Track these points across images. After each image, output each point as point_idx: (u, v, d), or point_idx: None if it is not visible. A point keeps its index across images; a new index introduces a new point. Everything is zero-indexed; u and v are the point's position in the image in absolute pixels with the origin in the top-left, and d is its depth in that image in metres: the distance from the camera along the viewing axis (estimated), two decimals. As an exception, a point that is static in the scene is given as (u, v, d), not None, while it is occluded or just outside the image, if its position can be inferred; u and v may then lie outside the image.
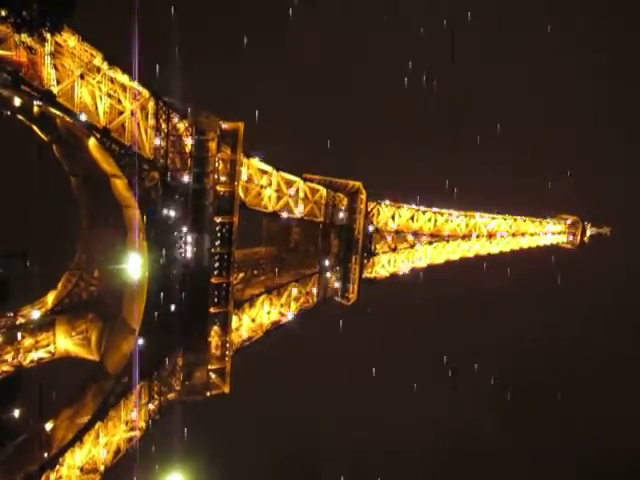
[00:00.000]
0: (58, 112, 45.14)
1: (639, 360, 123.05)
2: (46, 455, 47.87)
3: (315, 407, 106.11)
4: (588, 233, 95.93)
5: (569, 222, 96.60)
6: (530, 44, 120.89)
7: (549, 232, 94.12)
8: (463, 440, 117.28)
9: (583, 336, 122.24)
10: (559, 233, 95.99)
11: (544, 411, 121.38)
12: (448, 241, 79.34)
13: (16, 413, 51.71)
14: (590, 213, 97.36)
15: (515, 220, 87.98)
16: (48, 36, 41.32)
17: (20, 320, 59.72)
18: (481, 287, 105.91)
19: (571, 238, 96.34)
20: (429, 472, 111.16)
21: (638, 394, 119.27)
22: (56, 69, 43.67)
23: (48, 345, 61.00)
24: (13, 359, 58.01)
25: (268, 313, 64.34)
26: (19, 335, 58.01)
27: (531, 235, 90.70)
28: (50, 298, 62.89)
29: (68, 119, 46.15)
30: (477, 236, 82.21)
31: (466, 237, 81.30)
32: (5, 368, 57.66)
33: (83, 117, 45.66)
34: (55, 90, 43.70)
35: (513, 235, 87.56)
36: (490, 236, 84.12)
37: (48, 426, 52.75)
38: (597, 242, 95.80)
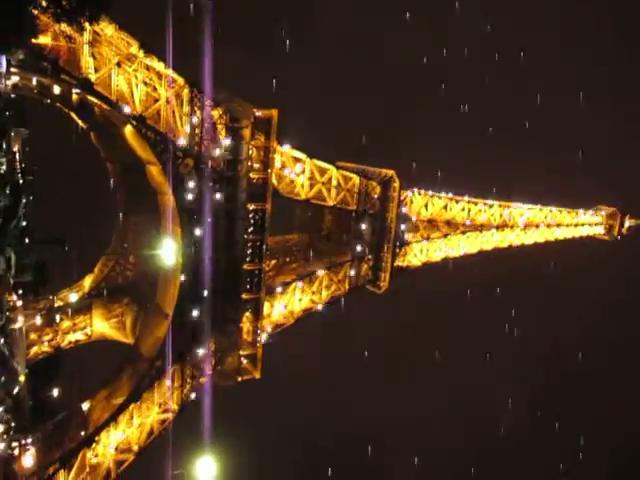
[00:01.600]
0: (96, 100, 46.05)
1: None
2: (83, 434, 49.32)
3: (344, 391, 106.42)
4: (626, 224, 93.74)
5: (607, 213, 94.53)
6: (560, 35, 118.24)
7: (585, 223, 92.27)
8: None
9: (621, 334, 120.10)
10: (596, 224, 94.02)
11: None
12: (482, 231, 78.44)
13: (55, 392, 53.32)
14: (629, 205, 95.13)
15: (551, 211, 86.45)
16: (87, 25, 42.16)
17: (58, 303, 61.33)
18: (515, 278, 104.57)
19: (608, 230, 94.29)
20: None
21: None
22: (94, 58, 44.52)
23: (85, 327, 62.59)
24: (52, 340, 59.76)
25: (299, 300, 64.71)
26: (57, 317, 59.60)
27: (567, 226, 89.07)
28: (87, 282, 64.39)
29: (105, 107, 47.03)
30: (511, 226, 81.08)
31: (500, 227, 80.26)
32: (44, 349, 59.46)
33: (120, 105, 46.47)
34: (93, 78, 44.57)
35: (548, 226, 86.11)
36: (525, 226, 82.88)
37: (85, 406, 54.24)
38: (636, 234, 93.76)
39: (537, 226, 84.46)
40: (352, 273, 69.28)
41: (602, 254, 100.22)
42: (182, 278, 53.64)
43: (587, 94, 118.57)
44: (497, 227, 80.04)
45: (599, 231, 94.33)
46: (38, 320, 57.74)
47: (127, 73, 47.04)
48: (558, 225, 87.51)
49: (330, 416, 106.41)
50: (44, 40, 42.29)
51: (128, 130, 50.00)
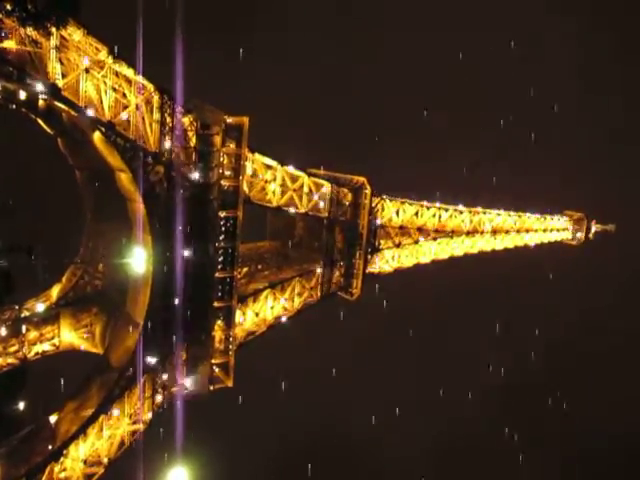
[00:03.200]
0: (63, 106, 45.24)
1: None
2: (50, 447, 48.16)
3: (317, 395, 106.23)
4: (593, 230, 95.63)
5: (574, 219, 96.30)
6: (531, 42, 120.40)
7: (554, 229, 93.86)
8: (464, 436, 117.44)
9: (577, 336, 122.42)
10: (564, 230, 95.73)
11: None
12: (452, 237, 79.21)
13: (21, 405, 52.05)
14: (595, 210, 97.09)
15: (520, 216, 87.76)
16: (53, 30, 41.45)
17: (25, 313, 60.02)
18: (483, 282, 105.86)
19: (576, 235, 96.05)
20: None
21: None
22: (61, 63, 43.73)
23: (53, 338, 61.34)
24: (18, 352, 58.39)
25: (272, 308, 64.44)
26: (24, 328, 58.34)
27: (535, 232, 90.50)
28: (55, 291, 63.15)
29: (73, 113, 46.25)
30: (481, 232, 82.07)
31: (470, 233, 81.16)
32: (10, 360, 58.04)
33: (88, 111, 45.75)
34: (60, 84, 43.78)
35: (517, 231, 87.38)
36: (494, 232, 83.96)
37: (52, 419, 53.04)
38: (602, 240, 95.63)
39: (507, 232, 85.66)
40: (324, 280, 69.26)
41: (570, 260, 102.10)
42: (152, 286, 52.85)
43: (554, 98, 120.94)
44: (467, 233, 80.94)
45: (566, 236, 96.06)
46: (3, 331, 56.55)
47: (96, 79, 46.32)
48: (527, 230, 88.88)
49: (304, 421, 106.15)
50: (9, 44, 41.40)
51: (97, 137, 49.21)
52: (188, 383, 57.44)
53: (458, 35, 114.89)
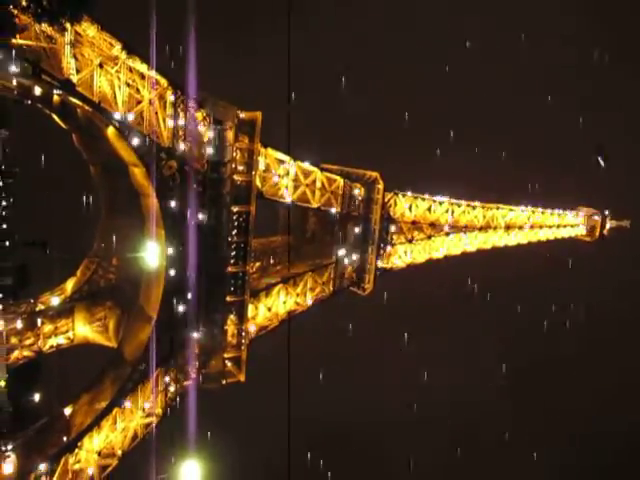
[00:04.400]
0: (77, 101, 45.59)
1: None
2: (65, 439, 48.75)
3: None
4: (608, 226, 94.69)
5: (589, 215, 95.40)
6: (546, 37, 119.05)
7: (568, 224, 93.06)
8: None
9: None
10: (578, 226, 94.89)
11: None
12: (465, 232, 78.83)
13: (36, 398, 52.72)
14: (610, 206, 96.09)
15: (533, 212, 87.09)
16: (68, 26, 41.75)
17: (40, 306, 60.60)
18: (496, 279, 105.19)
19: (590, 231, 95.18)
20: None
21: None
22: (76, 58, 44.06)
23: (67, 331, 61.82)
24: (33, 345, 58.93)
25: (284, 302, 64.57)
26: (39, 321, 58.86)
27: (549, 227, 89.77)
28: (69, 285, 63.67)
29: (87, 108, 46.59)
30: (494, 228, 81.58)
31: (483, 229, 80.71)
32: (26, 353, 58.62)
33: (102, 106, 46.06)
34: (74, 79, 44.11)
35: (531, 227, 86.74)
36: (508, 228, 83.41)
37: (67, 411, 53.63)
38: (617, 235, 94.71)
39: (520, 227, 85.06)
40: (336, 275, 69.28)
41: (585, 256, 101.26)
42: (166, 280, 53.18)
43: (568, 96, 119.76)
44: (480, 228, 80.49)
45: (581, 232, 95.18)
46: (19, 324, 57.05)
47: (110, 74, 46.62)
48: (541, 226, 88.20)
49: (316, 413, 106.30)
50: (24, 41, 41.75)
51: (111, 132, 49.54)
52: (201, 377, 57.75)
53: (478, 31, 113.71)
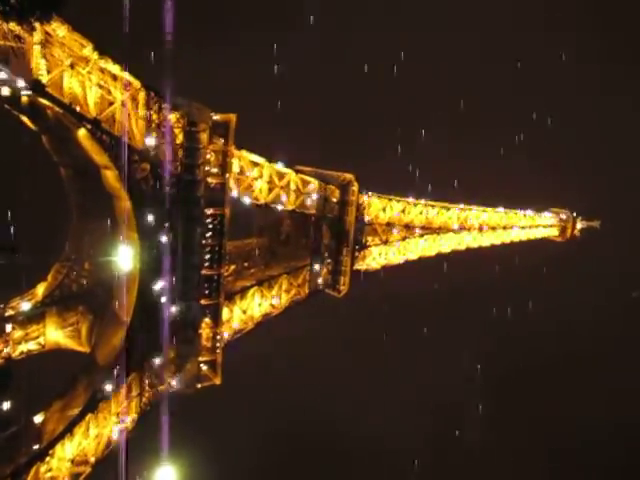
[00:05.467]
0: (47, 102, 44.76)
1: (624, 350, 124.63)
2: (36, 447, 47.70)
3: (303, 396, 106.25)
4: (579, 226, 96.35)
5: (560, 215, 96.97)
6: (520, 42, 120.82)
7: (540, 225, 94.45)
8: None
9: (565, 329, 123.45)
10: (550, 226, 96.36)
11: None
12: (439, 234, 79.44)
13: (6, 405, 51.53)
14: (581, 207, 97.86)
15: (506, 213, 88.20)
16: (37, 25, 40.98)
17: (9, 312, 59.35)
18: (471, 279, 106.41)
19: (561, 231, 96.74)
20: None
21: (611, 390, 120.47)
22: (45, 59, 43.25)
23: (38, 337, 60.68)
24: (2, 351, 57.71)
25: (259, 305, 64.29)
26: (8, 327, 57.67)
27: (522, 228, 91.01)
28: (40, 290, 62.51)
29: (58, 109, 45.77)
30: (468, 229, 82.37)
31: (457, 230, 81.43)
32: (-5, 360, 57.42)
33: (72, 107, 45.30)
34: (44, 80, 43.30)
35: (504, 228, 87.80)
36: (481, 229, 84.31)
37: (38, 418, 52.55)
38: (588, 235, 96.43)
39: (493, 228, 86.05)
40: (312, 277, 69.22)
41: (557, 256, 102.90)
42: (139, 284, 52.51)
43: (543, 97, 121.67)
44: (454, 230, 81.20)
45: (553, 233, 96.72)
46: (-12, 330, 55.86)
47: (81, 75, 45.88)
48: (513, 227, 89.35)
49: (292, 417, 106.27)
50: (-8, 40, 40.90)
51: (82, 134, 48.73)
52: (175, 381, 57.18)
53: (445, 34, 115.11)
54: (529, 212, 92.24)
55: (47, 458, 46.88)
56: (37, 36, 41.99)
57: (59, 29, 43.12)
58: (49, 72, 43.64)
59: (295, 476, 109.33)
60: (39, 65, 42.82)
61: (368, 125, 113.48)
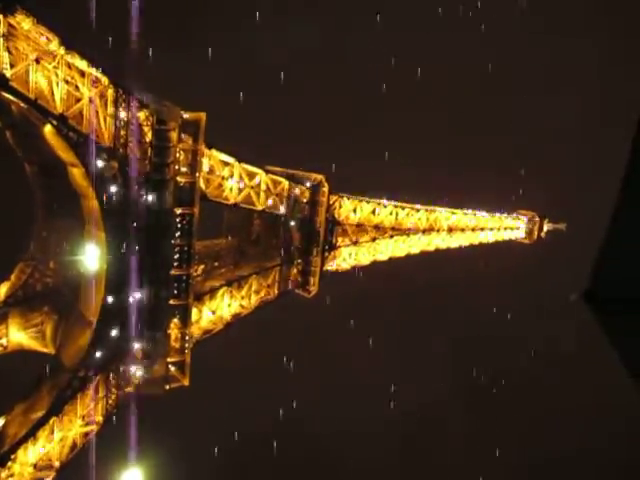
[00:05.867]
0: (11, 97, 43.71)
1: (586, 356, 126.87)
2: (-3, 452, 46.56)
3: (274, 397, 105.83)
4: (545, 229, 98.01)
5: (527, 218, 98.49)
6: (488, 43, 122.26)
7: (507, 227, 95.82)
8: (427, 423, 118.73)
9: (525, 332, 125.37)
10: (517, 228, 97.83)
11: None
12: (409, 235, 79.95)
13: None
14: (547, 209, 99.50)
15: (475, 215, 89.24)
16: (1, 17, 39.99)
17: (-29, 312, 57.98)
18: (441, 279, 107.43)
19: (528, 233, 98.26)
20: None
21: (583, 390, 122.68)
22: (9, 52, 42.21)
23: (0, 338, 59.41)
24: (-37, 352, 56.35)
25: (229, 305, 63.81)
26: (-31, 328, 56.32)
27: (490, 230, 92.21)
28: (3, 289, 61.14)
29: (22, 104, 44.74)
30: (437, 230, 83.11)
31: (427, 231, 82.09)
32: (-45, 362, 55.93)
33: (38, 103, 44.31)
34: (8, 74, 42.24)
35: (472, 230, 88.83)
36: (450, 230, 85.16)
37: (0, 422, 51.31)
38: (554, 238, 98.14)
39: (462, 230, 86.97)
40: (281, 277, 69.05)
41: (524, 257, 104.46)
42: (106, 283, 51.69)
43: (509, 96, 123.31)
44: (424, 231, 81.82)
45: (520, 235, 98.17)
46: (-53, 331, 54.40)
47: (47, 70, 44.86)
48: (482, 229, 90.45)
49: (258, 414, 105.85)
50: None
51: (48, 130, 47.74)
52: (143, 382, 56.39)
53: (414, 34, 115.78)
54: (497, 214, 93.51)
55: (9, 463, 45.74)
56: (0, 28, 40.93)
57: (24, 22, 42.14)
58: (13, 66, 42.58)
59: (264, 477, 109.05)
60: (2, 58, 41.74)
61: (339, 125, 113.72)
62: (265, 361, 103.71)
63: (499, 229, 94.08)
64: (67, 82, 46.35)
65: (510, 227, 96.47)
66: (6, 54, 41.78)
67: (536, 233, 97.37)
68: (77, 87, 47.05)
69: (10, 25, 41.62)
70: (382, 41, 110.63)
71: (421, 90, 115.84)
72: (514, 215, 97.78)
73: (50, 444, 48.89)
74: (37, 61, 43.80)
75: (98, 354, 51.47)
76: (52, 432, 48.96)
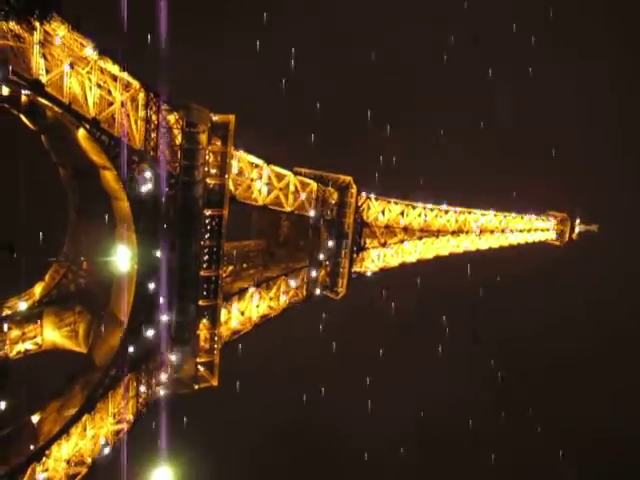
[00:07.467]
0: (47, 102, 44.74)
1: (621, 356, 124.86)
2: (32, 447, 47.59)
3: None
4: (577, 230, 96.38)
5: (558, 219, 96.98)
6: (522, 44, 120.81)
7: (538, 229, 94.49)
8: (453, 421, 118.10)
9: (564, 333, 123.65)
10: (548, 230, 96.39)
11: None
12: (438, 237, 79.46)
13: (2, 405, 51.44)
14: (580, 210, 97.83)
15: (505, 216, 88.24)
16: (37, 25, 40.95)
17: (6, 311, 59.35)
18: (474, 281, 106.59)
19: (560, 235, 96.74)
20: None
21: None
22: (45, 58, 43.21)
23: (35, 337, 60.68)
24: (-1, 350, 57.72)
25: (257, 306, 64.24)
26: (5, 326, 57.63)
27: (520, 232, 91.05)
28: (38, 290, 62.50)
29: (57, 109, 45.76)
30: (466, 232, 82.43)
31: (456, 233, 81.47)
32: (-9, 359, 57.35)
33: (72, 107, 45.27)
34: (44, 80, 43.26)
35: (502, 231, 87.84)
36: (480, 232, 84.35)
37: (35, 418, 52.45)
38: (586, 240, 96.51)
39: (491, 232, 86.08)
40: (310, 279, 69.20)
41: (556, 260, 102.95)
42: (137, 284, 52.46)
43: (539, 99, 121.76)
44: (452, 233, 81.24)
45: (551, 237, 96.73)
46: (-15, 330, 55.81)
47: (80, 75, 45.84)
48: (511, 231, 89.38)
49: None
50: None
51: (81, 134, 48.74)
52: (173, 382, 57.09)
53: (450, 30, 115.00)
54: (527, 216, 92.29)
55: (43, 458, 46.80)
56: (37, 35, 41.94)
57: (59, 29, 43.09)
58: (48, 72, 43.60)
59: (294, 476, 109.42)
60: (39, 65, 42.76)
61: (370, 129, 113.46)
62: (295, 360, 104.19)
63: (530, 231, 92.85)
64: (100, 86, 47.29)
65: (541, 229, 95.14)
66: (42, 60, 42.77)
67: (567, 235, 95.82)
68: (109, 91, 47.96)
69: (46, 32, 42.62)
70: (416, 37, 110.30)
71: (457, 89, 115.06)
72: (544, 217, 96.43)
73: (82, 441, 49.84)
74: (71, 66, 44.77)
75: (129, 353, 52.23)
76: (84, 429, 49.90)
